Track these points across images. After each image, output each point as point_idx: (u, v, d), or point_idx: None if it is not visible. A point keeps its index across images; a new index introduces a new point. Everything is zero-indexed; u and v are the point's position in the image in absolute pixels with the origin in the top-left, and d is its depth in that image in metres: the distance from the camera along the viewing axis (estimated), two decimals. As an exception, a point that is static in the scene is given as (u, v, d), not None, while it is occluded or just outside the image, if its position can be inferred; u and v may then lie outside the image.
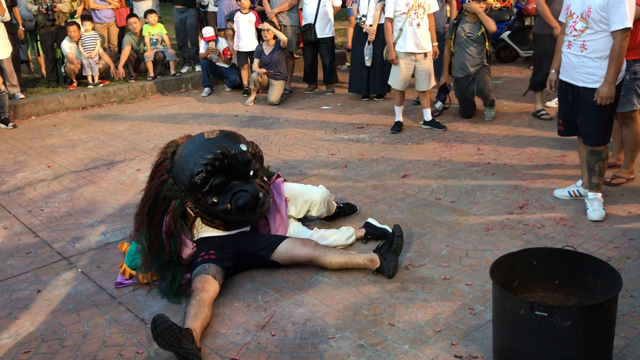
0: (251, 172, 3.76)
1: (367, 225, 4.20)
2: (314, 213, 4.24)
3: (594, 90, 4.16)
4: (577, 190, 4.64)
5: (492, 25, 6.75)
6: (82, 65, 9.13)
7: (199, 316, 3.15)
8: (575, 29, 4.17)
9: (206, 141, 3.71)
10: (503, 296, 2.57)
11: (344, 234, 4.06)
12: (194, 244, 3.77)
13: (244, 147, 3.72)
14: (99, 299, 3.61)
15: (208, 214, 3.73)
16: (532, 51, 9.85)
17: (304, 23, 8.68)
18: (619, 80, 4.14)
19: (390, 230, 3.87)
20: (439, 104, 7.37)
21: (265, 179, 3.95)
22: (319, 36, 8.54)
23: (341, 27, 12.53)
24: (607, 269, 2.63)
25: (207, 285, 3.38)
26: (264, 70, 8.21)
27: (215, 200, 3.66)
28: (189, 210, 3.73)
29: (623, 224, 4.22)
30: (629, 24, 3.94)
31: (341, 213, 4.51)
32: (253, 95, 8.48)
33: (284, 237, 3.83)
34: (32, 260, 4.13)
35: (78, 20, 9.28)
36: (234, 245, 3.78)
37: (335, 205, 4.44)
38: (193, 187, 3.63)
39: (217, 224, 3.82)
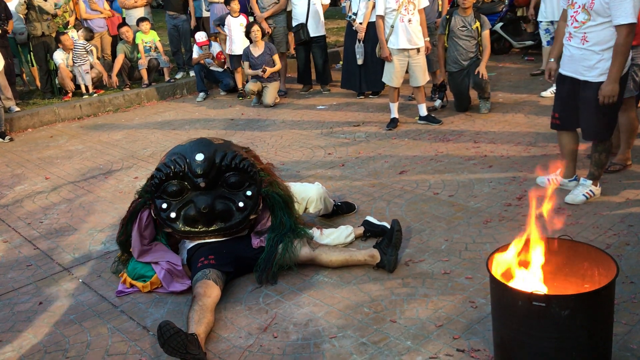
0: (201, 184, 3.65)
1: (366, 223, 4.20)
2: (311, 210, 4.24)
3: (596, 84, 4.06)
4: (556, 179, 4.65)
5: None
6: (75, 75, 9.14)
7: (203, 321, 3.16)
8: (577, 20, 4.07)
9: (178, 147, 3.82)
10: (500, 288, 2.57)
11: (343, 232, 4.06)
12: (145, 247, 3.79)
13: (200, 157, 3.63)
14: (101, 308, 3.62)
15: (160, 219, 3.75)
16: (525, 42, 9.89)
17: (295, 23, 8.67)
18: (622, 72, 4.02)
19: (389, 227, 3.88)
20: (438, 102, 7.34)
21: (250, 193, 3.73)
22: (311, 35, 8.54)
23: (333, 26, 12.54)
24: (603, 256, 2.63)
25: (209, 290, 3.39)
26: (260, 86, 8.26)
27: (164, 207, 3.69)
28: (152, 213, 3.79)
29: (621, 210, 4.22)
30: (633, 19, 3.81)
31: (339, 212, 4.52)
32: (254, 97, 8.49)
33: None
34: (32, 273, 4.14)
35: (71, 31, 9.27)
36: (233, 249, 3.78)
37: (333, 202, 4.44)
38: (150, 188, 3.74)
39: (176, 234, 3.82)
